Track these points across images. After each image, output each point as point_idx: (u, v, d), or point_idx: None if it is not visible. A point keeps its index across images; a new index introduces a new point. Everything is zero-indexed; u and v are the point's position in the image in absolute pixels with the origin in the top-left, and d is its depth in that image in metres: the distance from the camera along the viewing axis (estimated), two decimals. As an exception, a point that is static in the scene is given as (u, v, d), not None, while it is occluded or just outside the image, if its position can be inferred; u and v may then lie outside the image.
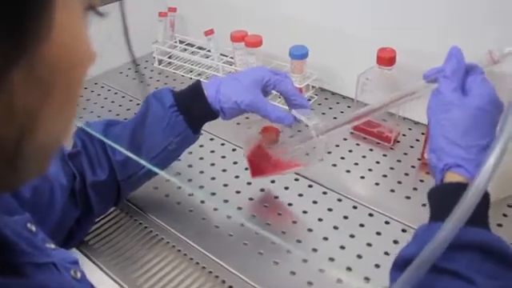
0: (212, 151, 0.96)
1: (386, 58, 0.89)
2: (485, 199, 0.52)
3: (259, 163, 0.80)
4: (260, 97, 0.75)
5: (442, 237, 0.40)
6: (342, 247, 0.75)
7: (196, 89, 0.75)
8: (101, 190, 0.72)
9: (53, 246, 0.48)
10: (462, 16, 0.85)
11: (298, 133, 0.94)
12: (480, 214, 0.51)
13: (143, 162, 0.69)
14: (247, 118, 1.01)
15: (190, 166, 0.92)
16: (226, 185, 0.87)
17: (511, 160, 0.77)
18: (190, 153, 0.95)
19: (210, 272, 0.71)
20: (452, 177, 0.54)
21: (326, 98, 1.12)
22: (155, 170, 0.66)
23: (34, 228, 0.47)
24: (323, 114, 1.07)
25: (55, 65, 0.29)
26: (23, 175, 0.33)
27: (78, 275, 0.47)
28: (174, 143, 0.74)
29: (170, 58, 1.29)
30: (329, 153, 0.94)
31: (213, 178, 0.89)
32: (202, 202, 0.83)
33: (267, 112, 0.74)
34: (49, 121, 0.30)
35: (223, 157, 0.94)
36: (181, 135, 0.74)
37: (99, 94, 1.19)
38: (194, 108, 0.74)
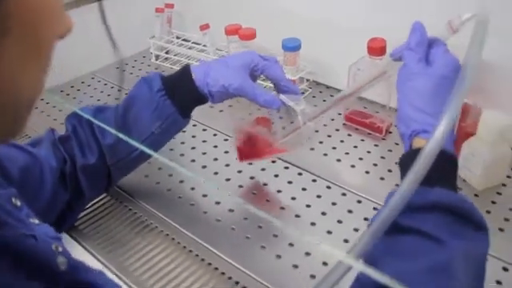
0: (204, 141, 0.97)
1: (377, 48, 0.90)
2: (452, 163, 0.54)
3: (249, 149, 0.81)
4: (248, 81, 0.75)
5: (398, 196, 0.40)
6: (329, 232, 0.75)
7: (184, 73, 0.76)
8: (91, 173, 0.73)
9: (37, 221, 0.49)
10: (453, 5, 0.86)
11: (291, 124, 0.96)
12: (448, 177, 0.52)
13: (134, 143, 0.70)
14: (239, 100, 1.03)
15: (181, 154, 0.93)
16: (216, 173, 0.88)
17: (500, 152, 0.78)
18: (183, 143, 0.96)
19: (197, 255, 0.72)
20: (419, 142, 0.56)
21: (321, 92, 1.13)
22: (146, 150, 0.67)
23: (18, 203, 0.48)
24: (315, 106, 1.07)
25: (20, 16, 0.31)
26: None
27: (60, 250, 0.48)
28: (161, 128, 0.74)
29: (167, 53, 1.31)
30: (320, 143, 0.95)
31: (204, 167, 0.90)
32: (192, 188, 0.84)
33: (255, 96, 0.74)
34: (13, 71, 0.32)
35: (215, 146, 0.95)
36: (169, 119, 0.74)
37: (95, 88, 1.20)
38: (181, 92, 0.75)
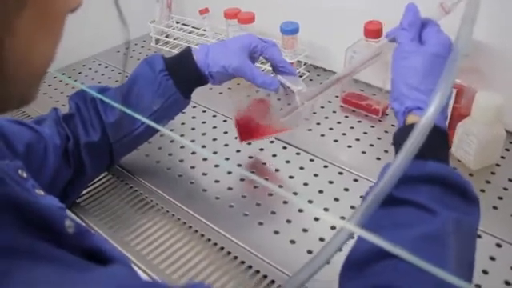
0: (204, 122, 0.99)
1: (373, 31, 0.91)
2: (444, 138, 0.55)
3: (248, 128, 0.82)
4: (247, 62, 0.76)
5: (393, 168, 0.42)
6: (326, 209, 0.76)
7: (186, 54, 0.77)
8: (94, 151, 0.74)
9: (42, 192, 0.50)
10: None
11: (288, 105, 0.97)
12: (440, 151, 0.54)
13: (139, 117, 0.71)
14: (238, 83, 1.04)
15: (182, 135, 0.95)
16: (215, 152, 0.90)
17: (494, 132, 0.79)
18: (183, 123, 0.98)
19: (196, 231, 0.73)
20: (413, 119, 0.57)
21: (318, 75, 1.14)
22: (154, 125, 0.68)
23: (25, 174, 0.49)
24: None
25: None
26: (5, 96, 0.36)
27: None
28: (162, 107, 0.75)
29: (166, 37, 1.32)
30: (318, 124, 0.96)
31: (203, 146, 0.91)
32: (192, 167, 0.86)
33: (253, 76, 0.76)
34: (27, 42, 0.34)
35: (214, 127, 0.97)
36: (170, 98, 0.76)
37: (96, 71, 1.22)
38: (183, 72, 0.76)
